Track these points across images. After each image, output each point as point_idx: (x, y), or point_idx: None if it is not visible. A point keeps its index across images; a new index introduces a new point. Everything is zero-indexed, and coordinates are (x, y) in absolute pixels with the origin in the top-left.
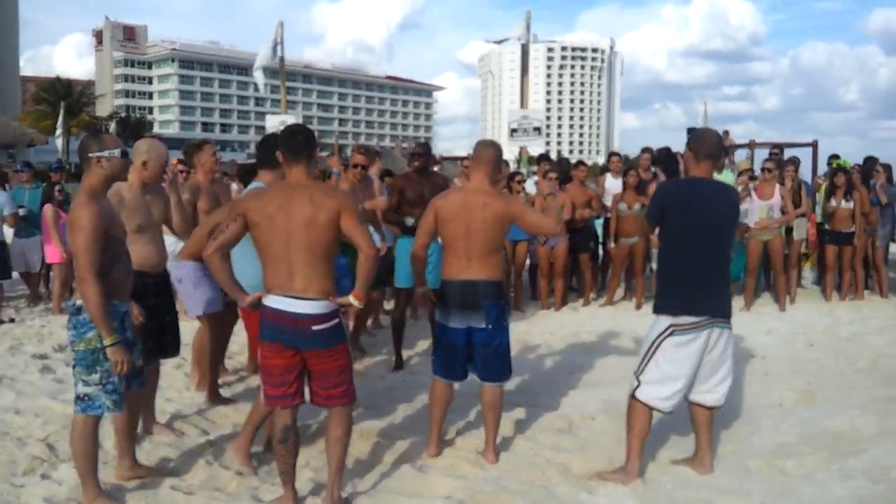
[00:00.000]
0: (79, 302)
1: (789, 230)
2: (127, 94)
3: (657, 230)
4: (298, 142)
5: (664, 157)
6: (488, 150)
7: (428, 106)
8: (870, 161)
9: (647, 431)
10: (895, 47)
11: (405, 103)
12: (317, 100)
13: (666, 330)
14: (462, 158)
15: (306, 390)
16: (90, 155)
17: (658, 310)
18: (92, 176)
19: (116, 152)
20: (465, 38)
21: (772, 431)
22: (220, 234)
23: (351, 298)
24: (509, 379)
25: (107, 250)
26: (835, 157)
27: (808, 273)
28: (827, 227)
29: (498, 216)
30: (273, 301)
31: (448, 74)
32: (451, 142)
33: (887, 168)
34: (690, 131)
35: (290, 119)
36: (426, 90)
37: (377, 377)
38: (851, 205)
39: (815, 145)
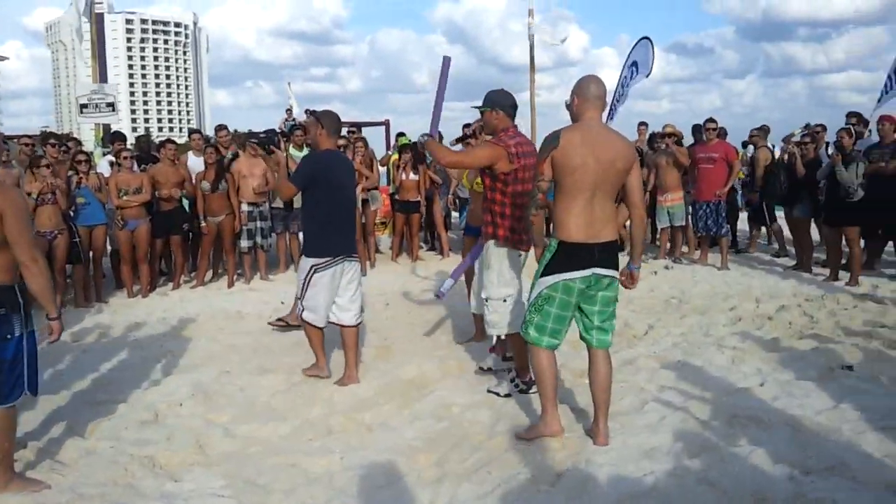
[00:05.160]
0: None
1: (365, 202)
2: None
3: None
4: None
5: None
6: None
7: None
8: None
9: None
10: (457, 37)
11: None
12: None
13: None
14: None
15: None
16: None
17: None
18: None
19: None
20: (32, 2)
21: (353, 388)
22: None
23: None
24: (20, 397)
25: None
26: (401, 134)
27: (385, 239)
28: (397, 196)
29: None
30: None
31: (13, 43)
32: (24, 118)
33: None
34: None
35: None
36: None
37: None
38: (416, 177)
39: (387, 124)
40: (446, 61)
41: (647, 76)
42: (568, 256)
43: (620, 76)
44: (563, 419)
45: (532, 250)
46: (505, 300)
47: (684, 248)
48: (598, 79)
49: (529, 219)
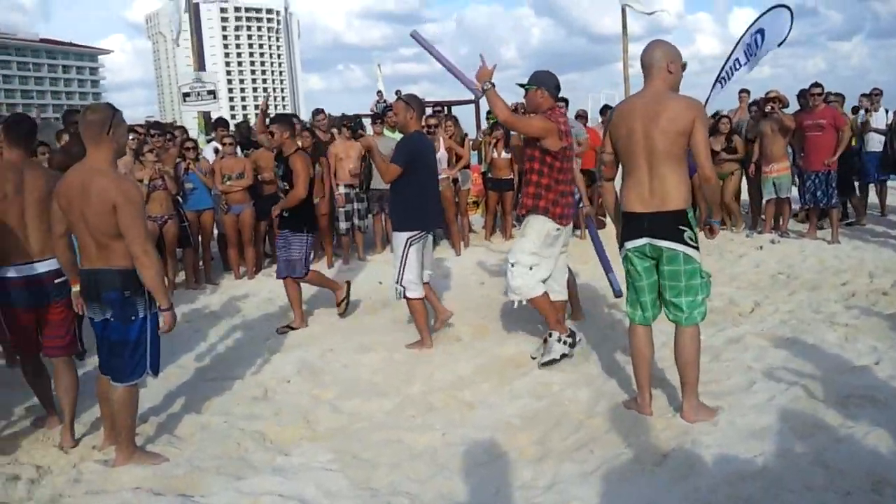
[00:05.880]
0: None
1: (456, 181)
2: None
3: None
4: None
5: (359, 124)
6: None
7: (94, 71)
8: None
9: None
10: (544, 9)
11: (66, 69)
12: None
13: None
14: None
15: None
16: None
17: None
18: None
19: None
20: None
21: (452, 365)
22: None
23: None
24: (141, 376)
25: None
26: (490, 112)
27: (478, 219)
28: (489, 175)
29: None
30: None
31: (116, 36)
32: (129, 109)
33: None
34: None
35: None
36: (89, 54)
37: None
38: (508, 154)
39: (477, 102)
40: (415, 35)
41: (780, 45)
42: (626, 226)
43: (739, 42)
44: (668, 398)
45: (569, 227)
46: (531, 268)
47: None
48: (659, 44)
49: (597, 191)
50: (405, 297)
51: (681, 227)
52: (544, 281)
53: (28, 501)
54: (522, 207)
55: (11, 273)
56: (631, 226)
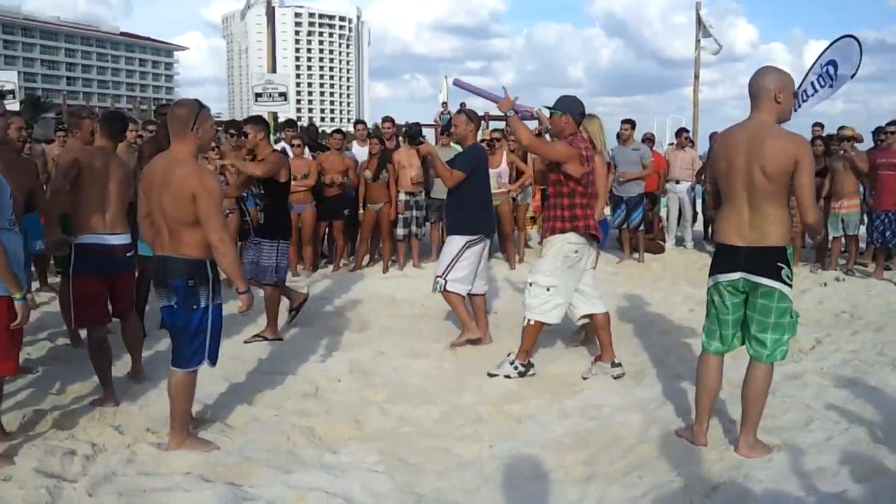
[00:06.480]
0: None
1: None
2: None
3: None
4: None
5: (418, 131)
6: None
7: (168, 66)
8: None
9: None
10: (616, 30)
11: (143, 62)
12: (40, 55)
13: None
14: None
15: None
16: None
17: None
18: None
19: None
20: None
21: (501, 379)
22: None
23: None
24: (199, 364)
25: None
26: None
27: (535, 234)
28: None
29: None
30: None
31: (193, 34)
32: None
33: None
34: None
35: (4, 75)
36: (166, 49)
37: None
38: None
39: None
40: (458, 83)
41: (853, 77)
42: (719, 258)
43: (809, 72)
44: (724, 430)
45: (591, 248)
46: (548, 289)
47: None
48: (769, 71)
49: (656, 215)
50: (444, 290)
51: (779, 263)
52: (558, 307)
53: (83, 476)
54: (546, 231)
55: (88, 239)
56: (725, 258)
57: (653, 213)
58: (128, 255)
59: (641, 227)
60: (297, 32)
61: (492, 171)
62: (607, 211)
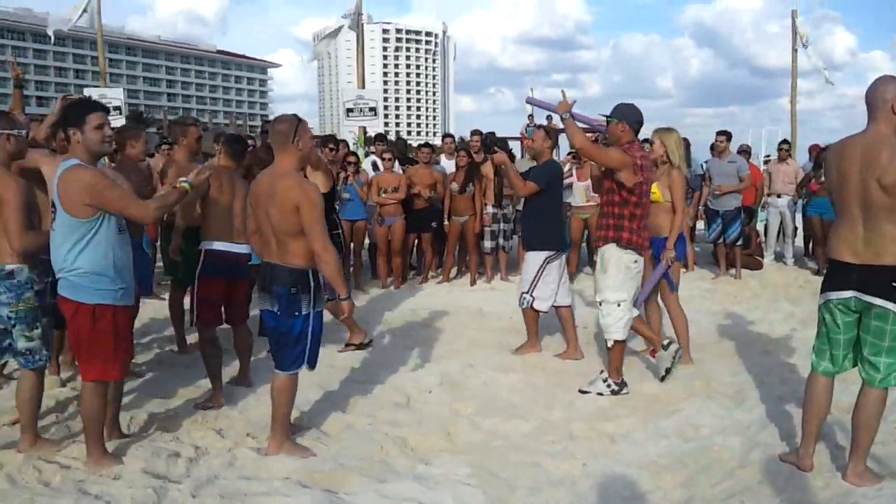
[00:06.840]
0: (8, 267)
1: None
2: None
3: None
4: None
5: (494, 141)
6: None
7: (263, 83)
8: None
9: None
10: (705, 39)
11: (238, 79)
12: (142, 73)
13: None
14: None
15: None
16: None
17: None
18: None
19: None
20: (301, 14)
21: (593, 396)
22: None
23: None
24: (300, 368)
25: None
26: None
27: None
28: None
29: None
30: None
31: (284, 51)
32: None
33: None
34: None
35: (111, 92)
36: (260, 66)
37: None
38: None
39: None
40: (531, 100)
41: None
42: (831, 275)
43: None
44: (831, 456)
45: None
46: (619, 304)
47: None
48: (889, 80)
49: (753, 229)
50: (532, 307)
51: (895, 283)
52: (629, 322)
53: (186, 478)
54: (599, 239)
55: (217, 246)
56: (837, 276)
57: (750, 227)
58: (248, 263)
59: (739, 242)
60: (384, 48)
61: (580, 184)
62: (701, 225)
